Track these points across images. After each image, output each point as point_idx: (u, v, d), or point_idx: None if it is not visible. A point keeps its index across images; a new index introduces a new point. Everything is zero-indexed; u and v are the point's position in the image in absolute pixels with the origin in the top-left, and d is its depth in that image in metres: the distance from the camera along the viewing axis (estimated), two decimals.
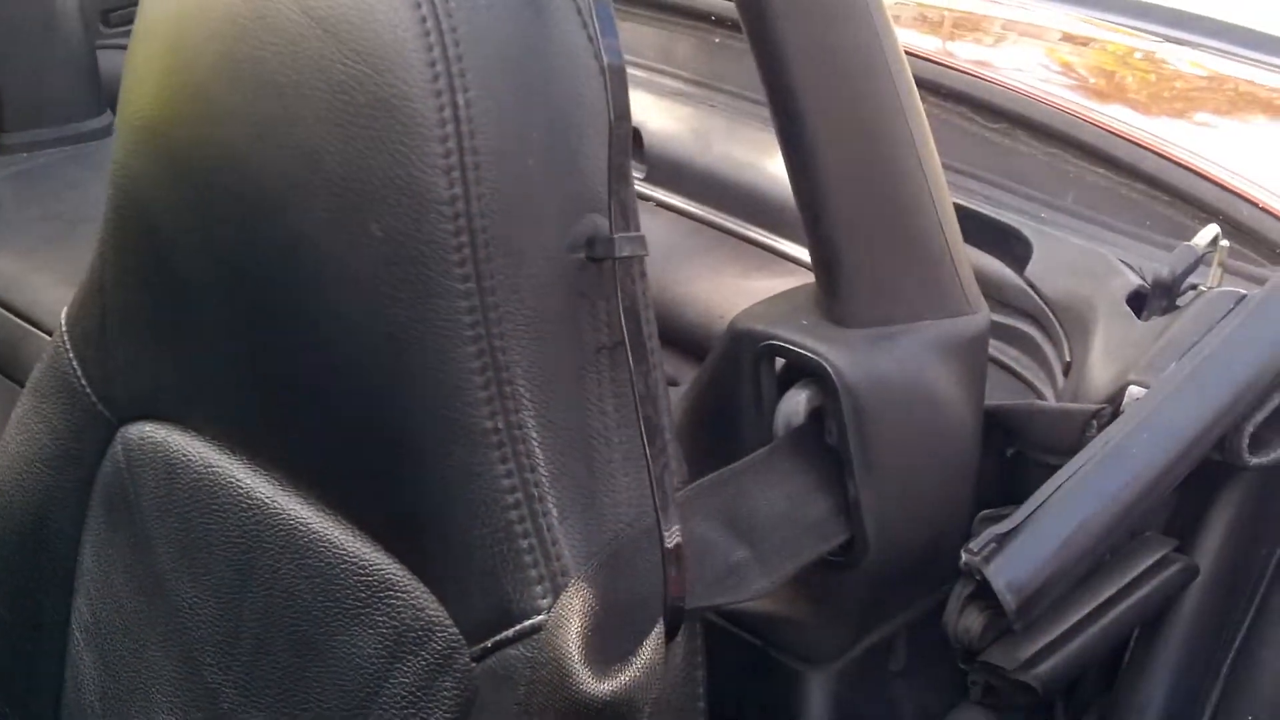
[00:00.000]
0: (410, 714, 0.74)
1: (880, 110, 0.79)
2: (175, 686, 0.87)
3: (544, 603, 0.67)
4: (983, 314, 0.85)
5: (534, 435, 0.66)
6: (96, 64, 1.86)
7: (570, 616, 0.65)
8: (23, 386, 0.95)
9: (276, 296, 0.72)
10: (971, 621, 0.83)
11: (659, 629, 0.65)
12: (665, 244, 1.27)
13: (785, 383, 0.83)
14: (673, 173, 1.35)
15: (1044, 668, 0.83)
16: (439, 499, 0.69)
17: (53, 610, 0.94)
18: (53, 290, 1.50)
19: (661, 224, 1.34)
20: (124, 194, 0.81)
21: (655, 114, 1.43)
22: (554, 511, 0.67)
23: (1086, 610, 0.85)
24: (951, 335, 0.82)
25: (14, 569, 0.95)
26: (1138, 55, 1.62)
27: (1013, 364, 1.11)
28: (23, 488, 0.93)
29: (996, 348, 1.10)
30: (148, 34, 0.76)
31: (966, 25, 1.68)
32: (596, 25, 0.65)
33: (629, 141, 0.64)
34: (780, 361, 0.83)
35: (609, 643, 0.65)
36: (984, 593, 0.80)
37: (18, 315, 1.52)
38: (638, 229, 0.65)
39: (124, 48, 0.82)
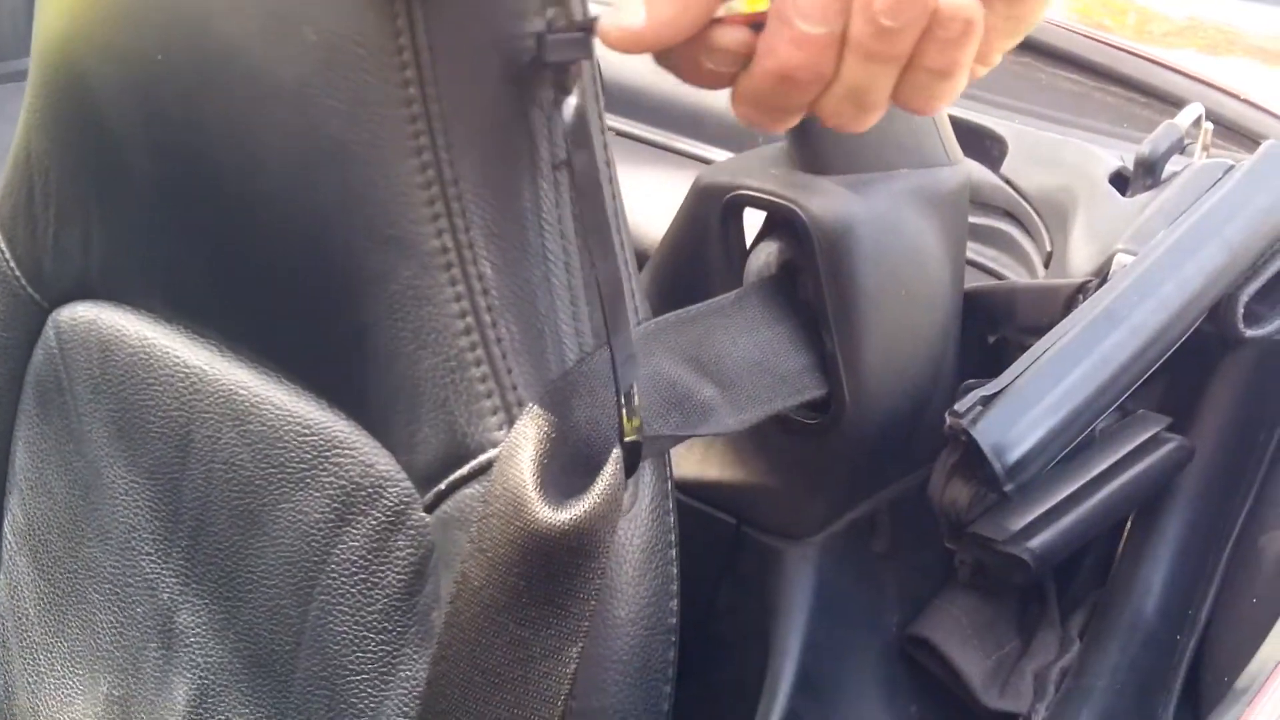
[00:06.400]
0: (360, 579, 0.69)
1: None
2: (112, 583, 0.82)
3: (499, 434, 0.62)
4: (962, 166, 0.81)
5: (485, 255, 0.61)
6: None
7: (524, 444, 0.60)
8: None
9: (207, 118, 0.66)
10: (958, 492, 0.79)
11: (617, 455, 0.60)
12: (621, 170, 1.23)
13: (757, 241, 0.79)
14: (630, 99, 1.30)
15: (1036, 541, 0.78)
16: (385, 327, 0.64)
17: None
18: None
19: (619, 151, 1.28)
20: (47, 51, 0.76)
21: None
22: (507, 337, 0.62)
23: (1078, 484, 0.81)
24: (930, 186, 0.78)
25: None
26: None
27: (990, 264, 1.07)
28: None
29: (974, 249, 1.07)
30: None
31: None
32: None
33: None
34: (750, 217, 0.79)
35: (567, 474, 0.60)
36: (971, 460, 0.76)
37: None
38: (585, 30, 0.59)
39: None
